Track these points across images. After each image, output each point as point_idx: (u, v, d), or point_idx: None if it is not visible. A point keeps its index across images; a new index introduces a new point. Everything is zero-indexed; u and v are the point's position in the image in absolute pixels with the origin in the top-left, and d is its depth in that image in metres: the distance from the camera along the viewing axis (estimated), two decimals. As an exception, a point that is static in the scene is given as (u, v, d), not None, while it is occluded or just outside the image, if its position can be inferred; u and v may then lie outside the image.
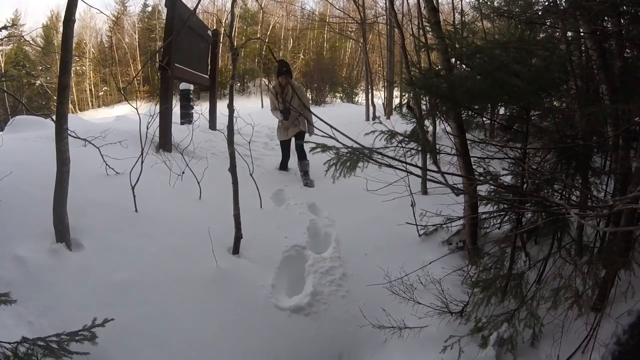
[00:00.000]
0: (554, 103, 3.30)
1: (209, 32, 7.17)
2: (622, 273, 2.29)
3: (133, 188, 3.16)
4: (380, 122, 3.00)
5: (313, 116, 3.25)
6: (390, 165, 1.69)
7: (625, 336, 0.66)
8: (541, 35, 3.28)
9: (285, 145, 5.35)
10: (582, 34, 2.75)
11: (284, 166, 5.39)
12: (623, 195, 2.20)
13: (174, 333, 2.32)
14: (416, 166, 1.88)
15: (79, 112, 26.80)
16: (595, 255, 2.46)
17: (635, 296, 2.17)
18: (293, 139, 5.21)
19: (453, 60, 3.16)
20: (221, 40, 7.95)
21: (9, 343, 1.77)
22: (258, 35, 25.26)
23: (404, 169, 1.85)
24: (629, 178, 2.33)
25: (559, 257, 2.55)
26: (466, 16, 7.59)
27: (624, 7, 2.55)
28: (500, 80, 2.30)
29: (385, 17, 11.95)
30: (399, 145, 2.50)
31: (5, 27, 2.63)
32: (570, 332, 2.26)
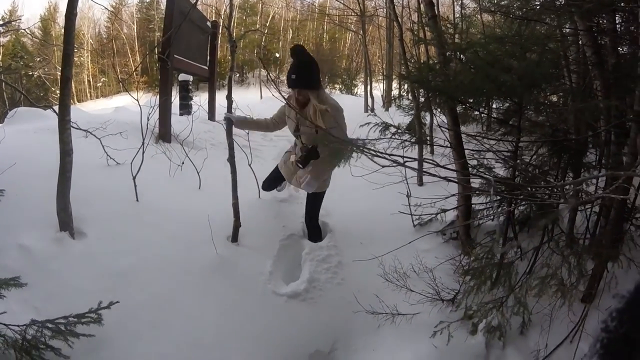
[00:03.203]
0: (552, 98, 3.34)
1: (208, 23, 7.18)
2: (610, 266, 2.35)
3: (134, 178, 3.23)
4: (375, 115, 3.05)
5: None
6: (382, 155, 1.74)
7: (614, 323, 0.62)
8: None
9: (275, 176, 3.58)
10: (577, 30, 2.79)
11: (268, 185, 3.69)
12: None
13: (174, 317, 2.39)
14: (409, 160, 1.92)
15: (77, 103, 26.66)
16: (585, 247, 2.52)
17: (618, 287, 2.24)
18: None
19: (449, 53, 3.20)
20: (220, 32, 7.95)
21: (18, 326, 1.84)
22: (257, 26, 25.12)
23: (399, 160, 1.89)
24: (620, 172, 2.39)
25: (547, 247, 2.62)
26: (466, 9, 7.62)
27: (619, 4, 2.60)
28: (491, 75, 2.34)
29: (384, 9, 11.95)
30: (393, 137, 2.54)
31: (9, 22, 2.66)
32: (559, 322, 2.31)
